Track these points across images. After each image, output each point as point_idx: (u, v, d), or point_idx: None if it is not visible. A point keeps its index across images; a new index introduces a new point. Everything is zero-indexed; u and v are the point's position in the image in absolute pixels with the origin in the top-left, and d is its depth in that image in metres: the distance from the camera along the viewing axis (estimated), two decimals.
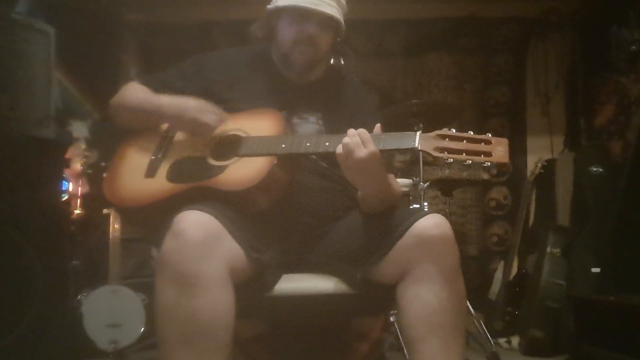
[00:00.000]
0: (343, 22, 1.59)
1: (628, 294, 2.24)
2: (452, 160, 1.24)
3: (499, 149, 1.23)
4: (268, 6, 1.59)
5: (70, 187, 3.01)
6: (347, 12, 1.62)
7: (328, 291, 1.44)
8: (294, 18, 1.55)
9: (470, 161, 1.23)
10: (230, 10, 3.79)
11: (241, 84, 1.60)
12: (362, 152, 1.28)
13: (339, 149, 1.30)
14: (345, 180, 1.57)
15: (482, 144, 1.24)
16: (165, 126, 1.57)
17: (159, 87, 1.58)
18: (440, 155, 1.24)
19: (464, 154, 1.24)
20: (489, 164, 1.23)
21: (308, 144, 1.37)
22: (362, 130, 1.30)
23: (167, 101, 1.50)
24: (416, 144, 1.27)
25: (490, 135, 1.26)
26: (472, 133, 1.26)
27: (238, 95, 1.57)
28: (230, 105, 1.53)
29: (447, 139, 1.26)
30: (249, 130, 1.46)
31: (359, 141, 1.28)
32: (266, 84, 1.62)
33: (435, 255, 1.30)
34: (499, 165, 1.24)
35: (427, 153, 1.26)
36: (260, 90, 1.60)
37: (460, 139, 1.25)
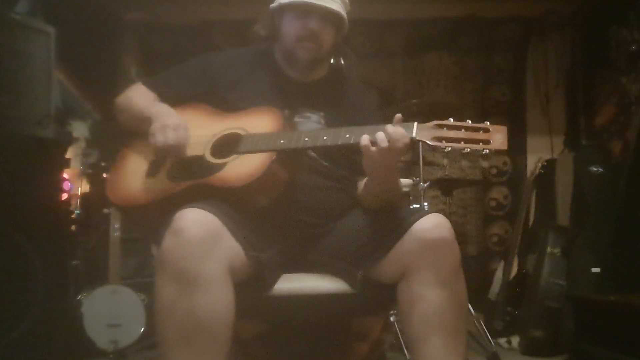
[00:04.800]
0: (346, 18, 1.59)
1: (628, 294, 2.24)
2: (450, 149, 1.25)
3: (498, 137, 1.24)
4: (271, 5, 1.59)
5: (70, 187, 3.01)
6: (349, 10, 1.62)
7: (328, 291, 1.44)
8: (297, 14, 1.55)
9: (469, 149, 1.24)
10: (230, 10, 3.79)
11: (244, 83, 1.61)
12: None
13: (364, 140, 1.30)
14: (346, 179, 1.58)
15: (481, 132, 1.25)
16: None
17: (163, 89, 1.58)
18: (438, 144, 1.25)
19: (462, 142, 1.24)
20: (488, 151, 1.23)
21: (306, 139, 1.38)
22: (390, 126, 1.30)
23: (160, 110, 1.50)
24: (414, 134, 1.28)
25: (488, 123, 1.26)
26: (470, 122, 1.27)
27: (241, 95, 1.57)
28: (233, 105, 1.54)
29: (445, 128, 1.26)
30: (248, 128, 1.47)
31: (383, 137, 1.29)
32: (269, 84, 1.62)
33: (436, 255, 1.30)
34: (498, 152, 1.24)
35: (425, 142, 1.27)
36: (262, 90, 1.60)
37: (459, 128, 1.26)
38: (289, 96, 1.59)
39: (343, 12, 1.57)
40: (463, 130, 1.25)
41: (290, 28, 1.57)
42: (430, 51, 3.94)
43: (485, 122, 1.27)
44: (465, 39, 3.93)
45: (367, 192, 1.50)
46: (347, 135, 1.34)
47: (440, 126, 1.26)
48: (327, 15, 1.54)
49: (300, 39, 1.56)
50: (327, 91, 1.66)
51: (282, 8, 1.57)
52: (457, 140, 1.24)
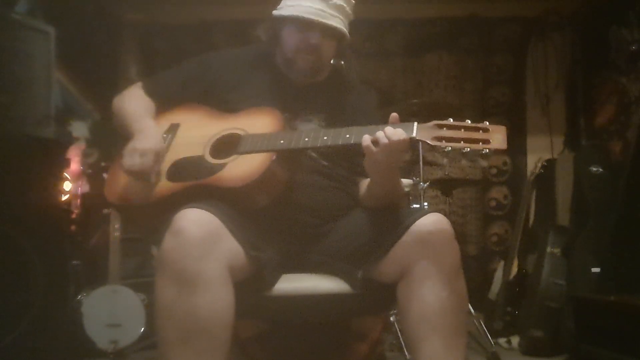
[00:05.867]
0: (347, 32, 1.57)
1: (628, 294, 2.24)
2: (450, 148, 1.25)
3: (497, 136, 1.25)
4: (273, 11, 1.59)
5: (70, 187, 3.01)
6: (352, 19, 1.61)
7: (328, 291, 1.44)
8: (298, 27, 1.54)
9: (469, 149, 1.24)
10: (230, 10, 3.79)
11: (244, 85, 1.60)
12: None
13: (366, 140, 1.30)
14: (346, 179, 1.58)
15: (480, 131, 1.26)
16: (165, 128, 1.57)
17: (161, 90, 1.58)
18: (438, 144, 1.26)
19: (462, 142, 1.25)
20: (488, 151, 1.24)
21: (306, 139, 1.38)
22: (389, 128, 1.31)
23: (141, 128, 1.49)
24: (414, 134, 1.28)
25: (487, 123, 1.27)
26: (469, 122, 1.27)
27: (241, 96, 1.57)
28: (233, 106, 1.54)
29: (445, 128, 1.27)
30: (248, 129, 1.47)
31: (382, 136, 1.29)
32: (269, 86, 1.62)
33: (435, 254, 1.30)
34: (498, 152, 1.25)
35: (425, 142, 1.27)
36: (262, 92, 1.60)
37: (458, 128, 1.27)
38: (289, 99, 1.59)
39: (344, 28, 1.56)
40: (463, 130, 1.26)
41: (290, 39, 1.57)
42: (430, 51, 3.94)
43: (485, 122, 1.27)
44: (465, 39, 3.93)
45: (369, 193, 1.50)
46: (348, 136, 1.35)
47: (440, 126, 1.27)
48: (328, 31, 1.54)
49: (300, 51, 1.55)
50: (327, 93, 1.65)
51: (284, 18, 1.57)
52: (456, 139, 1.25)
